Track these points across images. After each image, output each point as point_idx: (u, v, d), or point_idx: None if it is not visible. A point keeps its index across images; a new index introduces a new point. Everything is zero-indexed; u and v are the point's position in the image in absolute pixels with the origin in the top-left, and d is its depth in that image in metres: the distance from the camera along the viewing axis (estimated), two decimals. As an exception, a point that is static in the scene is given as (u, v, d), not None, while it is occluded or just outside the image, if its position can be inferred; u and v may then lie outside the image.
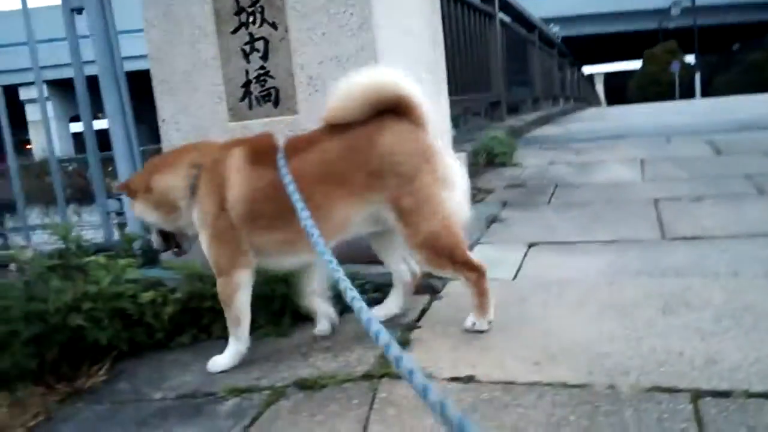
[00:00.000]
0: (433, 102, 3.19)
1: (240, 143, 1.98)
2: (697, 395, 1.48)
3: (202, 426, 1.68)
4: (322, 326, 2.13)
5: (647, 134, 6.83)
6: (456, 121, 7.30)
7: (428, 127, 1.86)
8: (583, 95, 22.77)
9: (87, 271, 2.39)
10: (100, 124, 3.64)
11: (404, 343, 1.94)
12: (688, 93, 31.34)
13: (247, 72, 2.56)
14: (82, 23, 3.07)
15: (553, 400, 1.53)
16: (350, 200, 1.83)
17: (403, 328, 2.07)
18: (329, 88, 2.46)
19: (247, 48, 2.55)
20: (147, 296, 2.27)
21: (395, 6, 2.77)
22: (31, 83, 3.51)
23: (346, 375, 1.80)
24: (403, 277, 2.14)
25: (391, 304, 2.18)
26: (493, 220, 3.39)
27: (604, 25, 37.03)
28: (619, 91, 42.00)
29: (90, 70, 3.16)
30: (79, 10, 3.02)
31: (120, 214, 3.32)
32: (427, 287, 2.38)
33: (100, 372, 2.16)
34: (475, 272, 1.91)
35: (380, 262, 2.19)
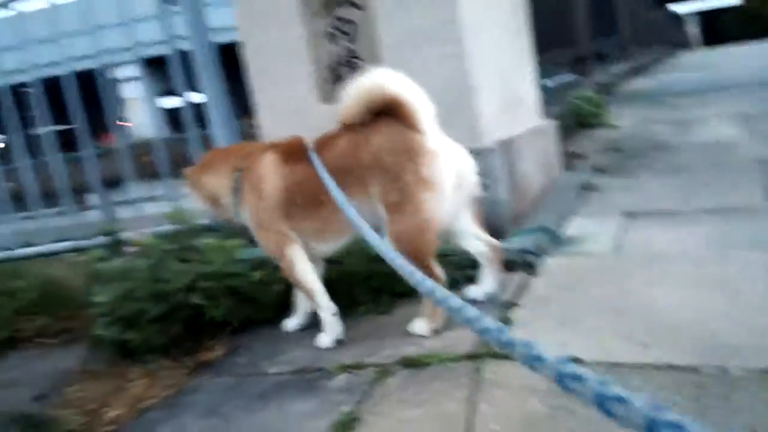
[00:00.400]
0: (516, 69, 3.15)
1: (274, 147, 2.20)
2: (814, 378, 1.43)
3: (317, 400, 1.80)
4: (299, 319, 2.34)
5: (752, 83, 6.38)
6: (540, 81, 7.12)
7: (422, 128, 1.92)
8: (674, 39, 21.41)
9: (201, 251, 2.58)
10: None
11: (504, 323, 1.98)
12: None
13: (335, 54, 2.62)
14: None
15: (660, 383, 1.53)
16: (356, 193, 1.96)
17: (502, 307, 2.11)
18: (415, 64, 2.50)
19: (335, 31, 2.60)
20: (256, 275, 2.43)
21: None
22: (124, 63, 3.72)
23: (450, 354, 1.86)
24: (483, 252, 2.19)
25: (485, 283, 2.22)
26: (586, 187, 3.33)
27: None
28: (714, 29, 39.01)
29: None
30: (173, 1, 3.15)
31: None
32: (524, 264, 2.40)
33: (219, 347, 2.35)
34: (433, 280, 1.94)
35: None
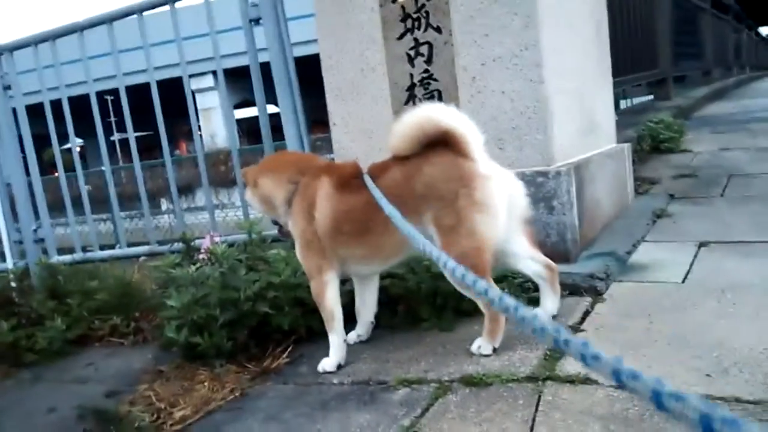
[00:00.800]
0: (594, 94, 3.12)
1: (329, 170, 2.25)
2: None
3: (377, 412, 1.82)
4: (360, 331, 2.40)
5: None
6: (618, 102, 6.97)
7: (473, 154, 2.00)
8: (760, 61, 20.53)
9: (268, 261, 2.66)
10: (254, 112, 3.93)
11: (568, 347, 1.95)
12: None
13: (411, 76, 2.68)
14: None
15: (729, 419, 1.49)
16: (407, 221, 1.93)
17: (567, 332, 2.08)
18: (492, 87, 2.53)
19: (412, 53, 2.66)
20: (321, 287, 2.48)
21: (561, 2, 2.73)
22: (202, 74, 3.88)
23: (511, 375, 1.86)
24: (539, 273, 2.19)
25: (547, 305, 2.21)
26: (659, 214, 3.25)
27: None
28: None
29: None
30: (257, 20, 3.29)
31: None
32: (590, 288, 2.37)
33: (283, 355, 2.41)
34: None
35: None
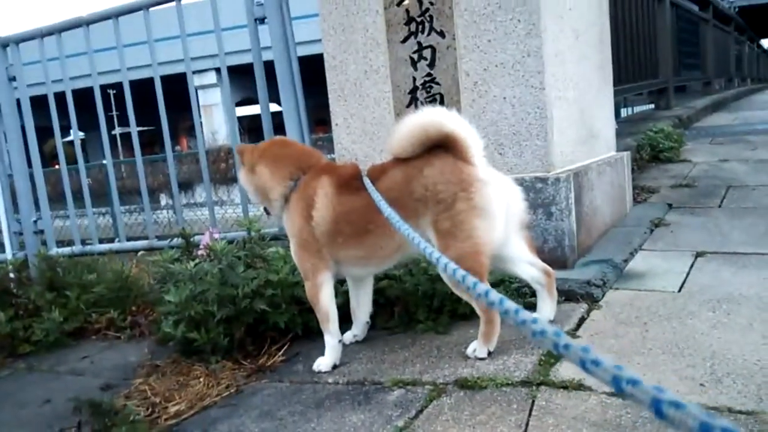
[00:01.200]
0: (595, 102, 3.14)
1: (330, 170, 2.24)
2: None
3: (371, 413, 1.84)
4: (356, 331, 2.41)
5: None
6: (618, 111, 6.99)
7: (473, 159, 2.03)
8: (762, 74, 20.57)
9: (267, 259, 2.68)
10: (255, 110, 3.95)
11: (563, 353, 1.97)
12: None
13: (414, 79, 2.69)
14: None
15: (721, 428, 1.50)
16: (406, 223, 1.94)
17: (562, 337, 2.10)
18: (493, 93, 2.55)
19: (415, 56, 2.67)
20: (319, 286, 2.49)
21: (563, 10, 2.75)
22: (205, 70, 3.89)
23: (505, 379, 1.88)
24: (536, 278, 2.20)
25: (543, 310, 2.23)
26: (657, 223, 3.26)
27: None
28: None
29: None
30: (262, 20, 3.30)
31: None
32: (586, 295, 2.38)
33: (279, 353, 2.43)
34: None
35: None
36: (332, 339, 2.24)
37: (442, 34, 2.64)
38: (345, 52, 2.90)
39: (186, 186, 12.41)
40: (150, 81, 3.69)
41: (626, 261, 2.76)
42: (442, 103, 2.66)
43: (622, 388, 0.67)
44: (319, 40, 2.98)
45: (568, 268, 2.60)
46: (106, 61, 4.62)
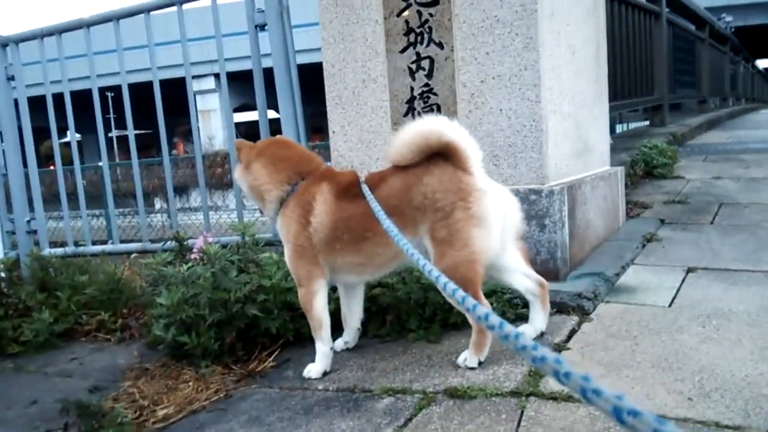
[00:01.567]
0: (590, 116, 3.16)
1: (330, 176, 2.24)
2: None
3: (361, 420, 1.83)
4: (347, 338, 2.40)
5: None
6: (613, 126, 7.03)
7: (471, 169, 2.04)
8: (757, 94, 20.74)
9: (260, 265, 2.67)
10: (253, 115, 3.98)
11: (553, 364, 1.97)
12: None
13: (412, 89, 2.71)
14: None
15: (706, 441, 1.51)
16: (405, 231, 1.97)
17: (552, 349, 2.11)
18: (490, 105, 2.57)
19: (414, 66, 2.69)
20: (312, 293, 2.49)
21: (561, 25, 2.78)
22: (203, 76, 3.90)
23: (495, 389, 1.88)
24: (530, 289, 2.21)
25: (536, 322, 2.23)
26: (649, 238, 3.28)
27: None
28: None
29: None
30: (263, 27, 3.32)
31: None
32: (577, 308, 2.39)
33: (269, 358, 2.42)
34: None
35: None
36: (324, 346, 2.23)
37: (440, 45, 2.66)
38: (344, 60, 2.91)
39: (181, 190, 12.41)
40: (148, 85, 3.69)
41: (618, 275, 2.77)
42: (439, 113, 2.68)
43: (587, 397, 0.71)
44: (318, 49, 3.00)
45: (560, 280, 2.61)
46: (104, 63, 4.63)
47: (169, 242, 3.16)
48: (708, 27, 10.79)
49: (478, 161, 2.06)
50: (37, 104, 4.21)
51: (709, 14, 11.03)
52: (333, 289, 2.41)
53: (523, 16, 2.56)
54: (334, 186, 2.19)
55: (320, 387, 2.12)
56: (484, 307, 2.00)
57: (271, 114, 3.75)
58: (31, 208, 4.19)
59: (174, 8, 3.58)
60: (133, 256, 3.56)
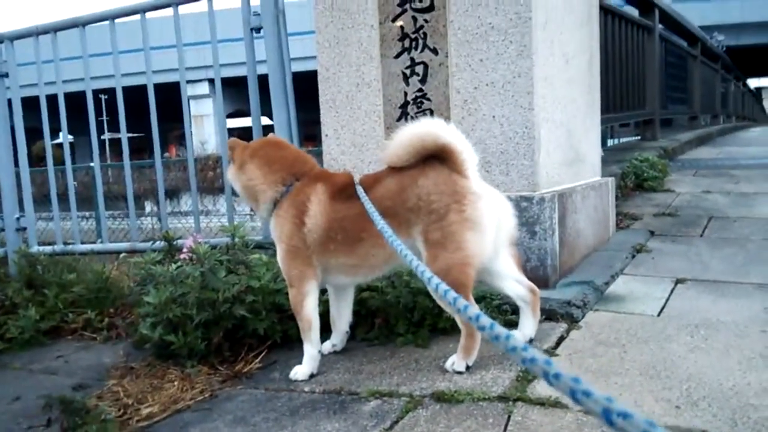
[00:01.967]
0: (582, 126, 3.18)
1: (325, 178, 2.24)
2: None
3: (346, 422, 1.82)
4: (335, 341, 2.39)
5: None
6: (604, 139, 7.08)
7: (466, 172, 2.04)
8: (747, 112, 20.95)
9: (250, 266, 2.66)
10: (246, 121, 3.99)
11: (541, 370, 1.97)
12: None
13: (405, 94, 2.72)
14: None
15: (692, 448, 1.51)
16: (399, 233, 1.97)
17: (540, 354, 2.10)
18: (483, 111, 2.58)
19: (408, 71, 2.71)
20: (301, 294, 2.48)
21: (555, 34, 2.80)
22: (198, 81, 3.91)
23: (482, 393, 1.87)
24: (521, 296, 2.21)
25: (525, 328, 2.23)
26: (639, 249, 3.30)
27: (777, 36, 33.72)
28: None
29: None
30: (258, 29, 3.32)
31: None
32: (566, 315, 2.40)
33: (256, 359, 2.41)
34: None
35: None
36: (312, 348, 2.22)
37: (435, 51, 2.67)
38: (338, 64, 2.92)
39: (172, 193, 12.37)
40: (141, 88, 3.69)
41: (607, 284, 2.78)
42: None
43: (577, 398, 0.72)
44: (310, 57, 3.00)
45: (549, 287, 2.62)
46: (99, 66, 4.62)
47: (158, 242, 3.14)
48: (700, 44, 10.90)
49: (473, 165, 2.06)
50: (29, 104, 4.19)
51: (701, 32, 11.15)
52: (323, 292, 2.40)
53: (517, 24, 2.58)
54: (328, 187, 2.19)
55: (306, 389, 2.11)
56: (475, 308, 2.00)
57: (265, 121, 3.75)
58: (22, 208, 4.16)
59: (169, 14, 3.58)
60: (122, 255, 3.54)
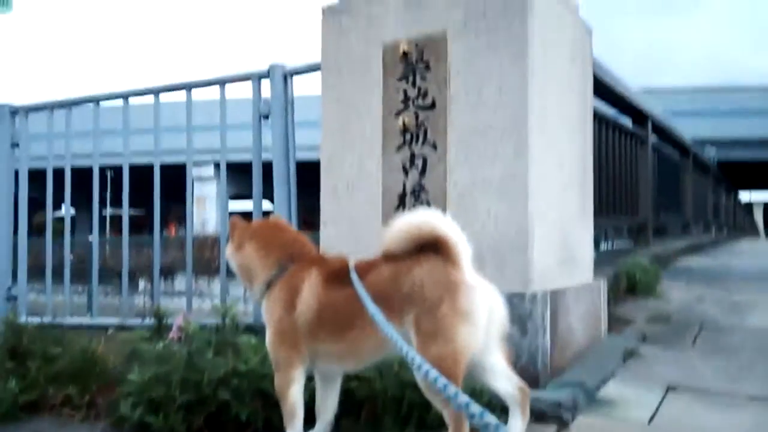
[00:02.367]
0: (575, 228, 3.25)
1: (320, 262, 2.27)
2: None
3: None
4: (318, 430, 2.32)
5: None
6: (598, 243, 7.16)
7: (460, 264, 2.06)
8: (738, 224, 21.29)
9: (238, 348, 2.64)
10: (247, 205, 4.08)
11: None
12: None
13: (404, 185, 2.81)
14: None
15: None
16: (389, 319, 1.99)
17: (529, 458, 2.05)
18: (478, 206, 2.64)
19: (408, 164, 2.80)
20: (288, 381, 2.44)
21: (551, 138, 2.91)
22: (204, 163, 4.04)
23: (467, 494, 1.82)
24: (511, 394, 2.16)
25: (515, 428, 2.17)
26: (630, 354, 3.27)
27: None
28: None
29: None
30: (267, 116, 3.46)
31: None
32: (556, 417, 2.35)
33: (237, 447, 2.34)
34: (456, 411, 1.92)
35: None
36: None
37: (434, 146, 2.78)
38: (341, 153, 3.02)
39: (166, 272, 12.32)
40: (146, 168, 3.80)
41: (598, 387, 2.74)
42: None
43: None
44: (310, 147, 3.11)
45: (539, 387, 2.58)
46: (107, 143, 4.77)
47: (148, 319, 3.12)
48: (692, 156, 11.25)
49: (467, 257, 2.09)
50: (33, 176, 4.28)
51: (693, 144, 11.53)
52: (309, 379, 2.36)
53: (515, 126, 2.69)
54: (323, 271, 2.20)
55: (287, 480, 2.04)
56: (464, 397, 1.97)
57: (265, 205, 3.84)
58: (15, 277, 4.16)
59: (178, 98, 3.74)
60: (110, 331, 3.50)
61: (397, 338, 1.45)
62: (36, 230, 5.00)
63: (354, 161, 2.98)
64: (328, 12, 3.19)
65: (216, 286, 3.87)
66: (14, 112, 4.24)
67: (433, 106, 2.83)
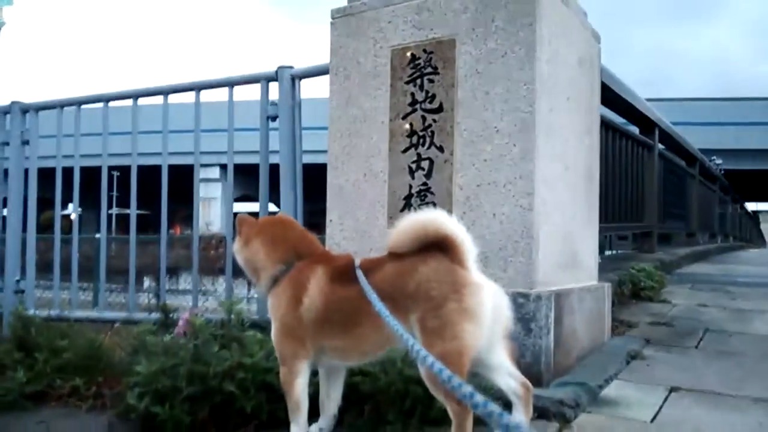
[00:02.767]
0: (580, 230, 3.27)
1: (326, 259, 2.31)
2: None
3: None
4: (322, 425, 2.34)
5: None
6: (603, 248, 7.17)
7: (466, 263, 2.09)
8: (744, 233, 21.23)
9: (243, 343, 2.67)
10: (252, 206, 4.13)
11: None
12: None
13: (410, 186, 2.83)
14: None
15: None
16: (394, 316, 1.99)
17: (530, 453, 2.07)
18: (484, 208, 2.67)
19: (414, 166, 2.83)
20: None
21: (557, 142, 2.94)
22: (209, 165, 4.08)
23: (469, 488, 1.84)
24: (514, 390, 2.19)
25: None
26: (634, 356, 3.29)
27: (771, 162, 34.74)
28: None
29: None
30: (274, 118, 3.50)
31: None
32: (558, 415, 2.37)
33: (242, 439, 2.36)
34: (459, 405, 1.94)
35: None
36: (298, 430, 2.19)
37: (441, 149, 2.81)
38: (348, 154, 3.06)
39: (172, 271, 12.36)
40: (153, 168, 3.84)
41: (601, 387, 2.76)
42: (434, 211, 2.78)
43: None
44: (318, 151, 3.15)
45: (543, 385, 2.60)
46: (115, 144, 4.83)
47: (154, 313, 3.15)
48: (698, 164, 11.24)
49: (472, 256, 2.11)
50: (42, 175, 4.33)
51: (700, 153, 11.52)
52: (314, 373, 2.39)
53: (521, 130, 2.72)
54: (329, 268, 2.23)
55: (291, 472, 2.06)
56: (468, 387, 1.99)
57: (270, 207, 3.88)
58: (24, 272, 4.21)
59: (185, 100, 3.78)
60: (116, 324, 3.53)
61: (403, 332, 1.47)
62: (43, 228, 5.05)
63: (360, 162, 3.01)
64: (336, 15, 3.23)
65: (218, 285, 3.92)
66: (25, 110, 4.29)
67: (440, 109, 2.86)
